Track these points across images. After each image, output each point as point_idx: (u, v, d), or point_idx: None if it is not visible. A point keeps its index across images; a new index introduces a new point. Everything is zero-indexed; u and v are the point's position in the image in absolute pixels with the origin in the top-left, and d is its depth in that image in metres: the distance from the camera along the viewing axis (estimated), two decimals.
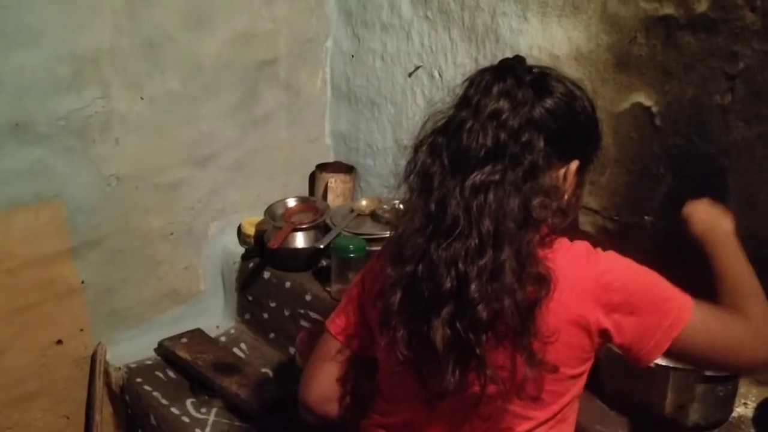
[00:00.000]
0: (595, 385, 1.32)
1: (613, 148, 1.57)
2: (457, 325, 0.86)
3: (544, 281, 0.88)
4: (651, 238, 1.55)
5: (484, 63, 1.74)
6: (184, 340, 1.89)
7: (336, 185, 2.07)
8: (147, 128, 1.75)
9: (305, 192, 2.16)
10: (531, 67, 0.99)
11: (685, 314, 0.93)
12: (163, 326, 1.93)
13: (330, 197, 2.07)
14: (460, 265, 0.86)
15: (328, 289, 1.79)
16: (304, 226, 1.86)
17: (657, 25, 1.44)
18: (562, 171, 0.97)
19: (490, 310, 0.85)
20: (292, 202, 1.99)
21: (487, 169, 0.89)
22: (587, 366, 0.98)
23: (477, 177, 0.88)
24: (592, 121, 1.02)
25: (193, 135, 1.87)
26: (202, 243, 1.99)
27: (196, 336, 1.92)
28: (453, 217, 0.88)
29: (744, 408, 1.38)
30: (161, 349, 1.87)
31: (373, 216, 1.94)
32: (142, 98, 1.71)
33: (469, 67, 1.78)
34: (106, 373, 1.85)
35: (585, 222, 1.65)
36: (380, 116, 2.06)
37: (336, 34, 2.08)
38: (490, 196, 0.88)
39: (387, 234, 1.80)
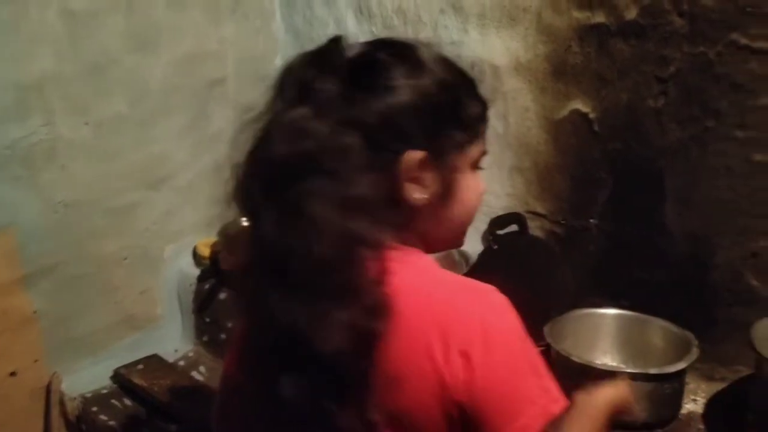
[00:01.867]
0: None
1: (555, 154, 1.60)
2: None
3: (382, 311, 0.72)
4: (597, 241, 1.58)
5: None
6: (140, 366, 1.87)
7: None
8: (94, 153, 1.74)
9: None
10: (356, 47, 0.81)
11: (553, 410, 0.73)
12: (120, 353, 1.91)
13: None
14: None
15: None
16: None
17: (590, 33, 1.47)
18: (400, 167, 0.77)
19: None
20: (245, 222, 1.97)
21: (299, 185, 0.73)
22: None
23: (290, 195, 0.73)
24: (436, 101, 0.78)
25: (144, 157, 1.86)
26: (158, 266, 1.97)
27: (153, 362, 1.90)
28: (269, 246, 0.74)
29: (693, 404, 1.41)
30: (117, 377, 1.85)
31: None
32: (86, 123, 1.70)
33: None
34: (62, 404, 1.82)
35: (534, 227, 1.68)
36: None
37: (284, 52, 2.09)
38: (305, 216, 0.72)
39: None
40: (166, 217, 1.95)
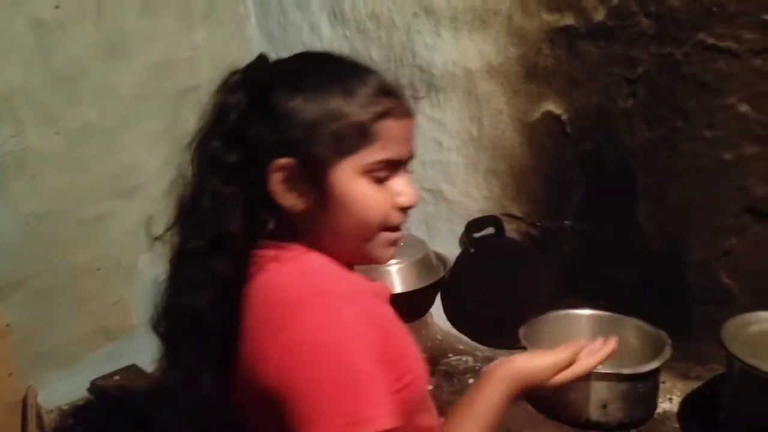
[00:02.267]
0: None
1: (529, 156, 1.60)
2: None
3: None
4: (571, 242, 1.59)
5: (404, 81, 1.77)
6: (117, 377, 1.84)
7: None
8: (64, 163, 1.71)
9: None
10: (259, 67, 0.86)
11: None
12: (96, 364, 1.88)
13: None
14: None
15: None
16: None
17: (559, 35, 1.48)
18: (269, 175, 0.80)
19: None
20: None
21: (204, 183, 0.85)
22: None
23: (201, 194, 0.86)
24: (308, 114, 0.79)
25: (116, 166, 1.83)
26: (132, 276, 1.95)
27: (131, 372, 1.87)
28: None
29: (669, 403, 1.42)
30: (94, 388, 1.82)
31: None
32: (57, 133, 1.68)
33: None
34: (39, 417, 1.79)
35: (510, 229, 1.68)
36: None
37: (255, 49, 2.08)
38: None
39: None
40: (139, 227, 1.92)
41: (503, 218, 1.68)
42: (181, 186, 0.87)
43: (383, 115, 0.80)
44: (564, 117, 1.53)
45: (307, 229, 0.83)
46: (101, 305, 1.89)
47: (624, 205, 1.48)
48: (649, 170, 1.43)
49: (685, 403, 1.41)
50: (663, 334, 1.39)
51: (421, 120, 1.77)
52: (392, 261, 1.70)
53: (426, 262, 1.74)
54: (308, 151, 0.79)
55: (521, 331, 1.42)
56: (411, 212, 0.86)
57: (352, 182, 0.80)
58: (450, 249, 1.79)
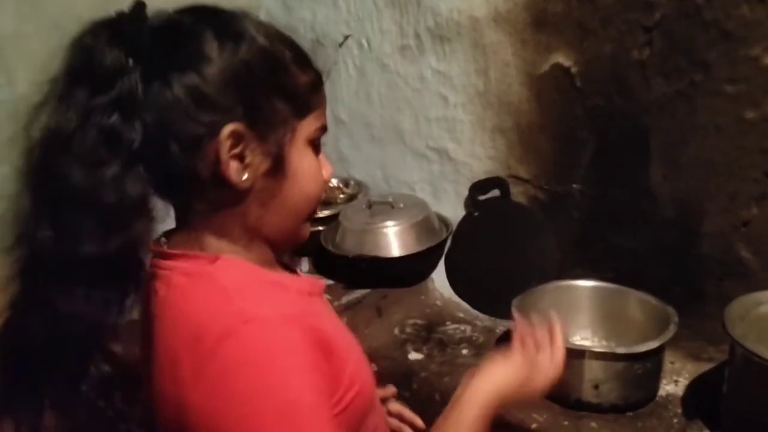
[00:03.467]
0: None
1: (537, 112, 1.48)
2: None
3: None
4: (580, 207, 1.46)
5: (408, 29, 1.66)
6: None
7: None
8: None
9: None
10: (162, 16, 0.69)
11: None
12: None
13: None
14: None
15: None
16: None
17: None
18: (212, 144, 0.67)
19: None
20: None
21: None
22: None
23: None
24: (253, 69, 0.68)
25: None
26: None
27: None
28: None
29: (674, 386, 1.30)
30: None
31: None
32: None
33: (394, 34, 1.69)
34: None
35: (516, 192, 1.57)
36: None
37: (266, 3, 1.99)
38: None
39: (322, 214, 1.75)
40: None
41: (509, 180, 1.57)
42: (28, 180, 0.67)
43: (318, 80, 0.74)
44: (574, 69, 1.39)
45: (240, 212, 0.71)
46: None
47: (636, 168, 1.34)
48: (664, 129, 1.29)
49: (691, 387, 1.28)
50: (670, 310, 1.26)
51: (426, 73, 1.65)
52: (390, 222, 1.62)
53: (426, 224, 1.64)
54: (261, 114, 0.69)
55: (514, 303, 1.31)
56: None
57: (301, 152, 0.72)
58: (455, 212, 1.69)
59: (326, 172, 0.76)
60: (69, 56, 0.67)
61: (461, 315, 1.61)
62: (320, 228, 1.70)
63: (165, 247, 0.73)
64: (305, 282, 0.78)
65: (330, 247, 1.64)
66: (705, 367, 1.31)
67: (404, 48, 1.68)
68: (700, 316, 1.30)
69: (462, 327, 1.56)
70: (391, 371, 1.46)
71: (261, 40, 0.69)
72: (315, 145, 0.74)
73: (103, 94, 0.64)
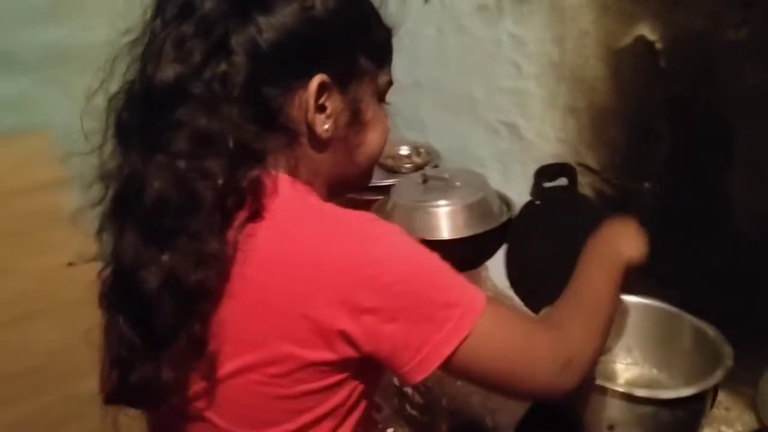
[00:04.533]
0: None
1: (613, 93, 1.26)
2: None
3: (213, 262, 0.64)
4: (650, 210, 1.24)
5: None
6: None
7: None
8: None
9: None
10: None
11: (464, 325, 0.68)
12: None
13: None
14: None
15: None
16: None
17: None
18: (300, 94, 0.70)
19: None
20: None
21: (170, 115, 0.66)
22: (339, 377, 0.71)
23: (160, 126, 0.66)
24: (342, 20, 0.72)
25: None
26: None
27: None
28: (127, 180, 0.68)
29: None
30: None
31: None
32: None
33: None
34: None
35: (584, 183, 1.37)
36: (398, 49, 1.85)
37: None
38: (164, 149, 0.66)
39: (385, 183, 1.66)
40: None
41: (578, 168, 1.37)
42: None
43: (390, 34, 0.79)
44: (658, 45, 1.15)
45: (320, 159, 0.74)
46: None
47: (714, 171, 1.10)
48: (752, 127, 1.04)
49: None
50: (727, 349, 1.03)
51: (502, 36, 1.48)
52: (442, 201, 1.49)
53: (482, 206, 1.48)
54: (347, 66, 0.73)
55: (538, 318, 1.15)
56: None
57: (374, 105, 0.77)
58: (522, 195, 1.51)
59: (388, 121, 0.80)
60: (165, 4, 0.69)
61: None
62: (376, 197, 1.62)
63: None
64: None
65: None
66: None
67: (482, 8, 1.51)
68: None
69: None
70: None
71: None
72: (383, 98, 0.79)
73: (206, 39, 0.66)
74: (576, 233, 1.40)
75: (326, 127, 0.72)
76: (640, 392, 0.99)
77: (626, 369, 1.21)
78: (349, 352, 0.68)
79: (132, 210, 0.67)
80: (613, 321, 0.86)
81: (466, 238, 1.47)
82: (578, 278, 0.89)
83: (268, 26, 0.68)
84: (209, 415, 0.71)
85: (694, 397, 0.99)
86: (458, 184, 1.52)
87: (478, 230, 1.47)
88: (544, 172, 1.43)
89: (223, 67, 0.66)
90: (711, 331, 1.08)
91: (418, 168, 1.71)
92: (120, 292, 0.69)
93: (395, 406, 1.44)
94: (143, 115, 0.68)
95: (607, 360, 1.22)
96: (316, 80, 0.70)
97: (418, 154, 1.77)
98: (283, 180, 0.71)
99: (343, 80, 0.72)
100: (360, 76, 0.74)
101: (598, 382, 1.04)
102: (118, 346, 0.69)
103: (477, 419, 1.19)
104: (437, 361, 0.69)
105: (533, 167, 1.47)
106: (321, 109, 0.72)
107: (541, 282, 1.43)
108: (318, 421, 0.73)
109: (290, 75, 0.70)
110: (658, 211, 1.22)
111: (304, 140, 0.72)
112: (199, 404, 0.71)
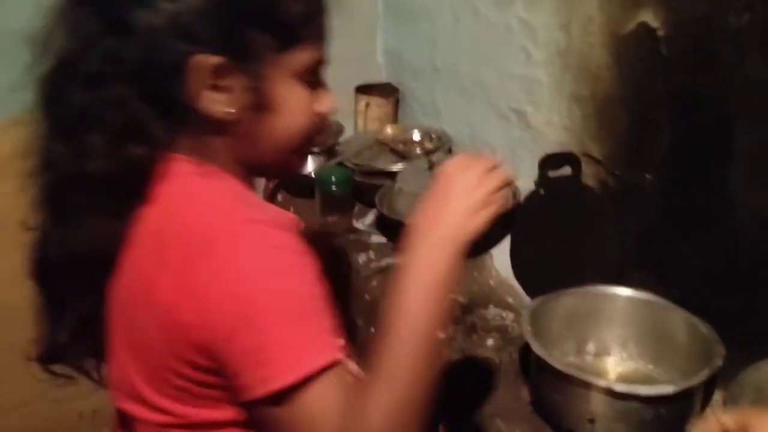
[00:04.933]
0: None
1: (616, 81, 1.22)
2: None
3: (96, 241, 0.70)
4: (650, 204, 1.20)
5: None
6: None
7: (370, 109, 1.92)
8: None
9: (349, 113, 2.03)
10: None
11: (274, 382, 0.61)
12: None
13: (360, 122, 1.92)
14: None
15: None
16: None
17: None
18: (192, 75, 0.68)
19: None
20: None
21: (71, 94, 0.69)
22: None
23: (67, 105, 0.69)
24: None
25: None
26: None
27: None
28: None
29: None
30: None
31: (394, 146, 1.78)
32: None
33: None
34: None
35: (588, 174, 1.34)
36: (418, 32, 1.83)
37: None
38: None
39: (395, 168, 1.65)
40: None
41: (582, 158, 1.34)
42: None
43: (316, 10, 0.73)
44: (660, 32, 1.11)
45: (224, 143, 0.72)
46: None
47: (715, 165, 1.06)
48: (753, 120, 0.99)
49: None
50: (719, 349, 1.00)
51: (512, 22, 1.44)
52: None
53: None
54: (244, 46, 0.68)
55: (527, 310, 1.14)
56: None
57: (287, 85, 0.72)
58: (529, 184, 1.49)
59: (325, 105, 0.77)
60: None
61: (510, 300, 1.44)
62: (382, 182, 1.62)
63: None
64: (288, 215, 0.74)
65: (384, 209, 1.54)
66: None
67: None
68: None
69: (504, 314, 1.40)
70: None
71: None
72: (310, 79, 0.74)
73: (100, 17, 0.67)
74: (574, 223, 1.38)
75: (222, 109, 0.69)
76: (620, 387, 0.98)
77: (620, 363, 1.19)
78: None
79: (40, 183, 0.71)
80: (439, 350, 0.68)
81: None
82: (393, 304, 0.67)
83: (160, 4, 0.66)
84: (138, 387, 0.72)
85: (678, 395, 0.97)
86: None
87: None
88: (549, 161, 1.41)
89: (113, 44, 0.66)
90: (705, 328, 1.06)
91: (429, 153, 1.70)
92: (32, 263, 0.75)
93: None
94: (48, 92, 0.70)
95: (601, 353, 1.20)
96: (209, 60, 0.66)
97: (430, 139, 1.76)
98: (181, 163, 0.70)
99: (240, 60, 0.68)
100: (262, 57, 0.69)
101: (580, 374, 1.03)
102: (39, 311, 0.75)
103: (475, 420, 1.18)
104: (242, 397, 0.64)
105: (540, 156, 1.45)
106: (217, 89, 0.68)
107: (543, 272, 1.42)
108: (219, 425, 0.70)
109: (182, 54, 0.66)
110: (660, 204, 1.18)
111: (203, 123, 0.70)
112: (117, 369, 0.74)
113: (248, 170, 0.77)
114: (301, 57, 0.72)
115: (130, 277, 0.70)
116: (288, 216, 0.73)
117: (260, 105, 0.71)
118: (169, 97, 0.68)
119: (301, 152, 0.80)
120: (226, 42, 0.67)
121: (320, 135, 0.82)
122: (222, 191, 0.71)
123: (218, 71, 0.67)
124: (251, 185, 0.80)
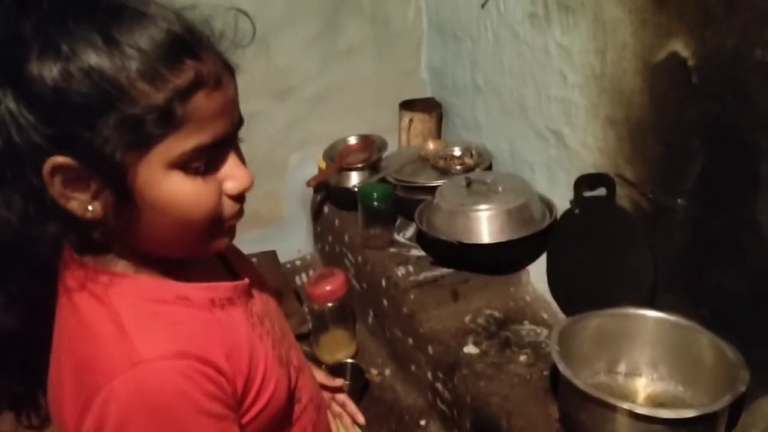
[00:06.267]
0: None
1: (649, 107, 1.25)
2: None
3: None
4: (682, 227, 1.23)
5: None
6: (254, 260, 2.03)
7: (414, 125, 1.97)
8: None
9: (394, 128, 2.10)
10: None
11: None
12: (243, 245, 2.10)
13: (403, 137, 1.98)
14: None
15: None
16: (355, 166, 1.84)
17: None
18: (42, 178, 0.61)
19: None
20: (352, 140, 1.96)
21: None
22: None
23: None
24: (74, 93, 0.58)
25: (268, 67, 1.92)
26: (282, 172, 2.09)
27: (267, 258, 2.05)
28: None
29: None
30: None
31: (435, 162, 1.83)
32: None
33: (526, 2, 1.53)
34: None
35: (622, 195, 1.36)
36: (461, 51, 1.88)
37: None
38: None
39: (435, 183, 1.71)
40: (289, 127, 2.03)
41: (616, 180, 1.36)
42: None
43: (189, 90, 0.61)
44: (691, 62, 1.13)
45: (116, 239, 0.67)
46: (252, 193, 2.06)
47: (742, 194, 1.08)
48: None
49: None
50: (743, 374, 1.03)
51: (550, 45, 1.48)
52: (483, 206, 1.52)
53: (523, 211, 1.51)
54: (90, 146, 0.59)
55: (557, 329, 1.18)
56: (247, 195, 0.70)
57: (160, 180, 0.63)
58: (565, 202, 1.53)
59: (232, 184, 0.68)
60: None
61: (545, 316, 1.48)
62: (423, 197, 1.67)
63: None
64: (222, 287, 0.74)
65: (423, 225, 1.60)
66: None
67: (533, 16, 1.51)
68: None
69: (538, 330, 1.44)
70: (437, 359, 1.42)
71: (90, 57, 0.58)
72: (200, 163, 0.64)
73: None
74: (609, 243, 1.41)
75: (83, 208, 0.63)
76: (642, 410, 1.01)
77: (650, 384, 1.22)
78: None
79: None
80: None
81: (505, 243, 1.50)
82: None
83: (4, 101, 0.59)
84: None
85: (701, 418, 1.00)
86: (501, 188, 1.56)
87: (517, 235, 1.50)
88: (584, 181, 1.44)
89: None
90: (731, 353, 1.08)
91: (469, 169, 1.74)
92: None
93: (429, 401, 1.51)
94: None
95: (632, 373, 1.23)
96: (56, 161, 0.60)
97: (471, 155, 1.80)
98: (74, 272, 0.67)
99: (88, 160, 0.60)
100: (112, 155, 0.60)
101: (604, 396, 1.06)
102: None
103: (495, 418, 1.23)
104: None
105: (576, 175, 1.48)
106: (74, 189, 0.62)
107: (577, 289, 1.45)
108: None
109: (34, 156, 0.60)
110: (691, 229, 1.20)
111: (79, 221, 0.64)
112: None
113: (162, 254, 0.70)
114: (177, 146, 0.62)
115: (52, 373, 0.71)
116: (220, 289, 0.73)
117: (125, 203, 0.63)
118: (40, 195, 0.62)
119: (214, 236, 0.70)
120: (68, 143, 0.59)
121: (235, 218, 0.71)
122: (115, 309, 0.66)
123: (68, 171, 0.61)
124: (174, 267, 0.72)
